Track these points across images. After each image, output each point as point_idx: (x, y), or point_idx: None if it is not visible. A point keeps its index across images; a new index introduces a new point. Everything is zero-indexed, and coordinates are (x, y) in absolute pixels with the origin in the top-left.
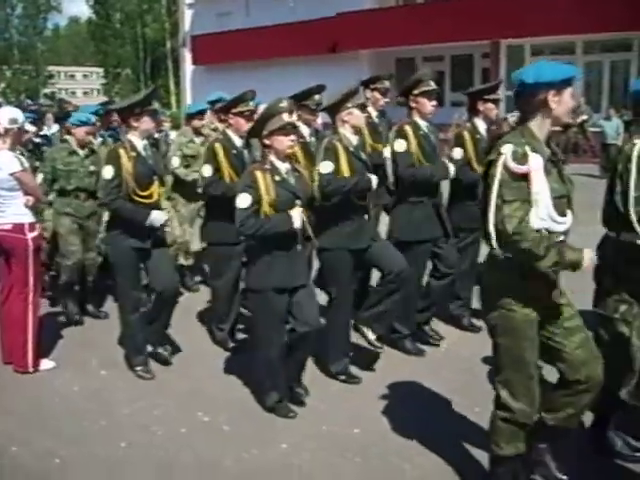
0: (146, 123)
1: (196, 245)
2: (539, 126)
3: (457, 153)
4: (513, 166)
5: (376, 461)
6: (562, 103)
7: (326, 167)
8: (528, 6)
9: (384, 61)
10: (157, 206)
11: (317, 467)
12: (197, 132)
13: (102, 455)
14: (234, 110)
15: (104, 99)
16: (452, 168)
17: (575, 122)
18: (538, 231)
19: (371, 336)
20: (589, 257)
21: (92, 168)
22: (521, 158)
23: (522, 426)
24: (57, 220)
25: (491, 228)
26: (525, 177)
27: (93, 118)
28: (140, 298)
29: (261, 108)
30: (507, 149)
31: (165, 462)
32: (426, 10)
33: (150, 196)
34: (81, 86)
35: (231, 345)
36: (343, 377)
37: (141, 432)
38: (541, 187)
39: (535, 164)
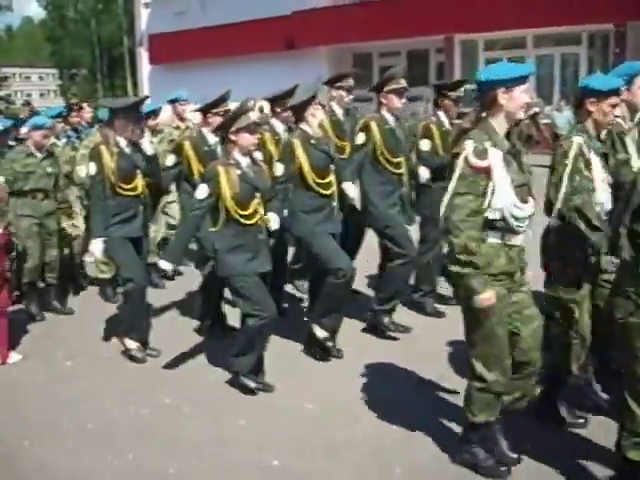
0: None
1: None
2: (497, 121)
3: (425, 145)
4: (474, 161)
5: (329, 431)
6: (513, 99)
7: (278, 169)
8: (481, 1)
9: (342, 57)
10: (141, 198)
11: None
12: (152, 131)
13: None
14: (214, 110)
15: (60, 101)
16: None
17: (526, 115)
18: (487, 245)
19: (320, 334)
20: (484, 299)
21: (49, 170)
22: (481, 153)
23: (496, 395)
24: (16, 222)
25: (442, 213)
26: (484, 171)
27: (49, 122)
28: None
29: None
30: (469, 145)
31: (138, 436)
32: (381, 6)
33: (134, 189)
34: (37, 87)
35: (219, 334)
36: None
37: (105, 414)
38: (501, 178)
39: (494, 158)
